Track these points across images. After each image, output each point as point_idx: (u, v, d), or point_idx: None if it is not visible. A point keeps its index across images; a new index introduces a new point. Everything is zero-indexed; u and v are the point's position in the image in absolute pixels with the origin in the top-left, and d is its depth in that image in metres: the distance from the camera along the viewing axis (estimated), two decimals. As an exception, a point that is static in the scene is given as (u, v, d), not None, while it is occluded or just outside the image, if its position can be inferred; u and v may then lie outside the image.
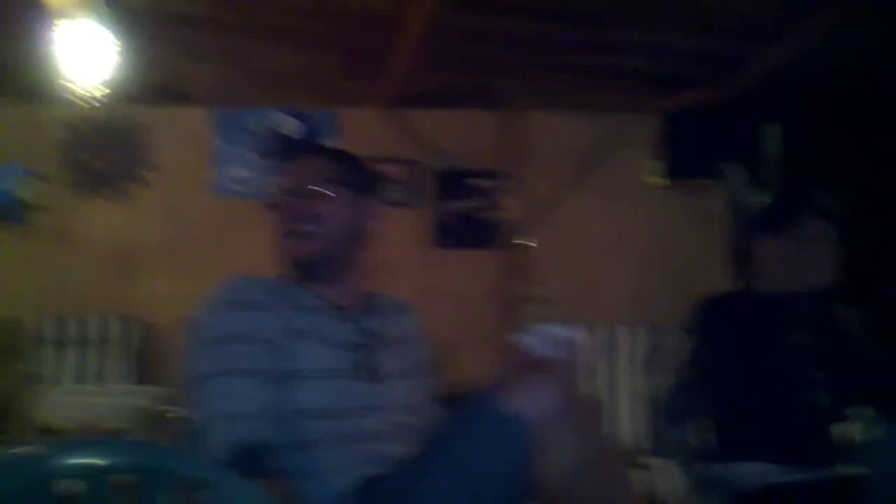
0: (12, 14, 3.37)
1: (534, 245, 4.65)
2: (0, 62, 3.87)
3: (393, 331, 1.90)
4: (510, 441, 1.45)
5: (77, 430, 2.87)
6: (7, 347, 4.05)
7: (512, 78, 4.28)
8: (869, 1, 3.27)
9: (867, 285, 2.54)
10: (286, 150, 4.46)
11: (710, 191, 4.49)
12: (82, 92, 3.36)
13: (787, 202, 2.44)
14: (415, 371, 1.91)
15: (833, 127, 4.11)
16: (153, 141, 4.57)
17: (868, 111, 3.89)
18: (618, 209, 4.77)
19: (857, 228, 2.34)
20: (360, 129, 4.53)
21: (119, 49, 3.24)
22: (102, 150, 4.53)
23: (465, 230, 4.67)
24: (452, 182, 4.70)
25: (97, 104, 3.65)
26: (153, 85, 4.16)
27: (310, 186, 1.81)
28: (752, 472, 2.14)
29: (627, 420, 3.93)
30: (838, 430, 2.20)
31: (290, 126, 4.64)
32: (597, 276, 4.71)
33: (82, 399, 3.34)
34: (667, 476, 3.28)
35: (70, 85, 3.34)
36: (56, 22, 3.15)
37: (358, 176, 1.88)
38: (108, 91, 3.38)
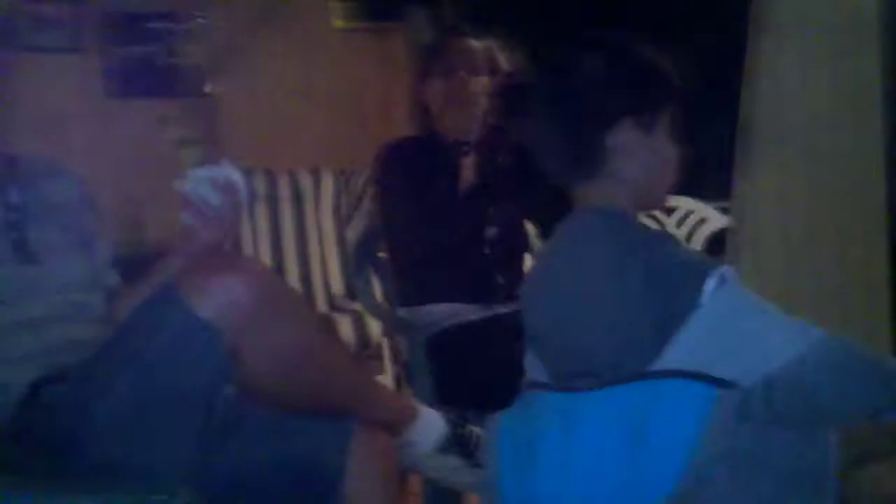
0: None
1: (213, 92, 4.44)
2: None
3: (47, 199, 1.67)
4: (200, 348, 1.36)
5: None
6: None
7: None
8: None
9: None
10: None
11: (396, 33, 4.48)
12: None
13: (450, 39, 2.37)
14: (81, 241, 1.70)
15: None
16: None
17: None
18: (305, 53, 4.63)
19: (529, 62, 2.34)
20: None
21: None
22: None
23: (143, 77, 4.32)
24: (126, 24, 4.27)
25: None
26: None
27: None
28: (441, 313, 2.22)
29: (322, 266, 3.95)
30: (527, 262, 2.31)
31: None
32: (285, 121, 4.60)
33: None
34: (371, 321, 3.38)
35: None
36: None
37: None
38: None
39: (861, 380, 1.16)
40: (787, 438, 1.15)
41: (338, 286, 3.93)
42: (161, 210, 3.95)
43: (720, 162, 2.00)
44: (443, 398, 2.04)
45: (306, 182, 4.01)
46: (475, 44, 2.27)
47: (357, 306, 3.48)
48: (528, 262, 2.32)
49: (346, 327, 3.54)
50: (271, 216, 3.90)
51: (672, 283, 1.21)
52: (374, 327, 3.45)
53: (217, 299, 1.38)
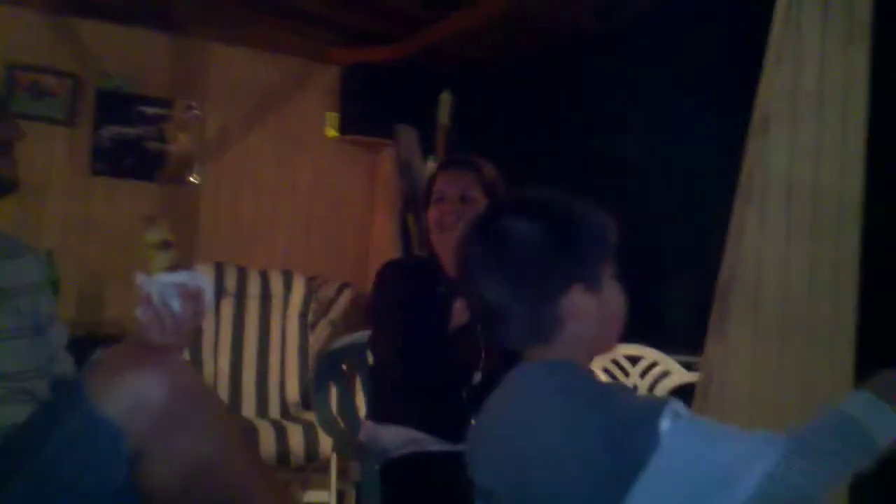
0: None
1: (198, 182, 4.44)
2: None
3: (4, 281, 1.60)
4: (100, 448, 1.29)
5: None
6: None
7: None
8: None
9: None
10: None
11: (384, 148, 4.53)
12: None
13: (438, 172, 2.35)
14: (31, 326, 1.62)
15: (504, 101, 4.32)
16: None
17: (543, 91, 4.11)
18: (291, 157, 4.68)
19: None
20: (14, 32, 4.02)
21: None
22: None
23: (127, 158, 4.31)
24: (117, 104, 4.30)
25: None
26: None
27: None
28: (403, 437, 2.15)
29: (280, 369, 3.87)
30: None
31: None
32: (264, 221, 4.61)
33: None
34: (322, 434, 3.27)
35: None
36: None
37: None
38: None
39: (834, 458, 1.13)
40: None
41: (293, 394, 3.85)
42: (122, 291, 3.93)
43: (687, 317, 2.01)
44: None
45: (277, 283, 3.97)
46: (460, 175, 2.26)
47: (311, 416, 3.39)
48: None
49: (296, 437, 3.44)
50: (237, 312, 3.84)
51: (628, 429, 1.18)
52: (325, 441, 3.36)
53: (123, 397, 1.30)
